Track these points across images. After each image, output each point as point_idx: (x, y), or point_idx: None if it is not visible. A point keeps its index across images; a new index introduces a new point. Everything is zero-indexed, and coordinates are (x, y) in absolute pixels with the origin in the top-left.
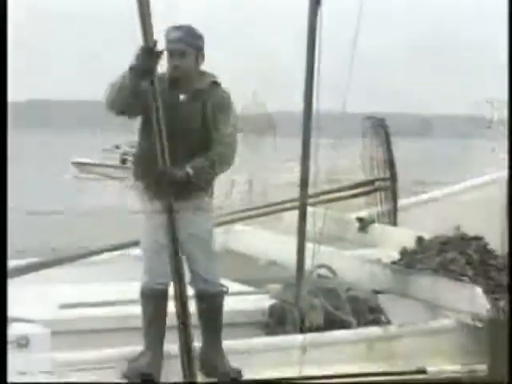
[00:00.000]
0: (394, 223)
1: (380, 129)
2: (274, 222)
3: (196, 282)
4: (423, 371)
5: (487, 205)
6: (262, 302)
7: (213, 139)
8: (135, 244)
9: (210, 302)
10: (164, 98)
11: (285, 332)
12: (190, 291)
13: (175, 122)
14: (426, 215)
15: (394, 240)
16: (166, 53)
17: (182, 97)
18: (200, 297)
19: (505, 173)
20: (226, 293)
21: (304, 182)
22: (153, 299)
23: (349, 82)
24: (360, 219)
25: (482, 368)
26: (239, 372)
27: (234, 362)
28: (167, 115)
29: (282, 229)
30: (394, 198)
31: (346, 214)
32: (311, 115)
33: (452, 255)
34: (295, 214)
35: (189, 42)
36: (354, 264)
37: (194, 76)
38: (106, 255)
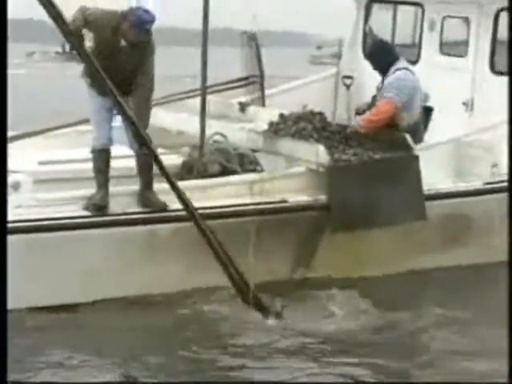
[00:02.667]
0: (263, 105)
1: (253, 41)
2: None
3: (135, 145)
4: (285, 201)
5: (324, 91)
6: (175, 159)
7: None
8: (83, 122)
9: (146, 159)
10: (112, 42)
11: (193, 178)
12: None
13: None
14: (284, 100)
15: (264, 117)
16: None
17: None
18: (138, 155)
19: (333, 71)
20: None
21: (204, 78)
22: (100, 156)
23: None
24: (240, 103)
25: (323, 197)
26: (165, 203)
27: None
28: (113, 56)
29: (186, 109)
30: (262, 88)
31: (230, 100)
32: (207, 31)
33: (303, 125)
34: (196, 100)
35: (153, 24)
36: (238, 132)
37: None
38: (62, 130)
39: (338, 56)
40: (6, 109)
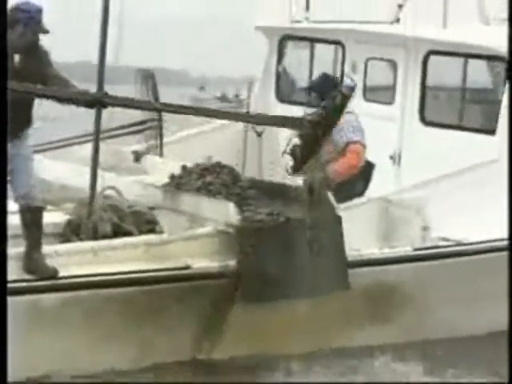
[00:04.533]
0: (161, 155)
1: (149, 79)
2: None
3: (23, 198)
4: (188, 267)
5: (231, 140)
6: (58, 217)
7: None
8: None
9: (36, 215)
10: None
11: (80, 239)
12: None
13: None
14: (184, 149)
15: (162, 168)
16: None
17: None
18: (26, 210)
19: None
20: (45, 208)
21: (97, 121)
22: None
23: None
24: (135, 152)
25: (232, 263)
26: (55, 270)
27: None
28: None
29: (72, 158)
30: (161, 135)
31: (122, 148)
32: (104, 66)
33: (210, 179)
34: (82, 147)
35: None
36: (133, 186)
37: None
38: None
39: (222, 98)
40: (6, 111)
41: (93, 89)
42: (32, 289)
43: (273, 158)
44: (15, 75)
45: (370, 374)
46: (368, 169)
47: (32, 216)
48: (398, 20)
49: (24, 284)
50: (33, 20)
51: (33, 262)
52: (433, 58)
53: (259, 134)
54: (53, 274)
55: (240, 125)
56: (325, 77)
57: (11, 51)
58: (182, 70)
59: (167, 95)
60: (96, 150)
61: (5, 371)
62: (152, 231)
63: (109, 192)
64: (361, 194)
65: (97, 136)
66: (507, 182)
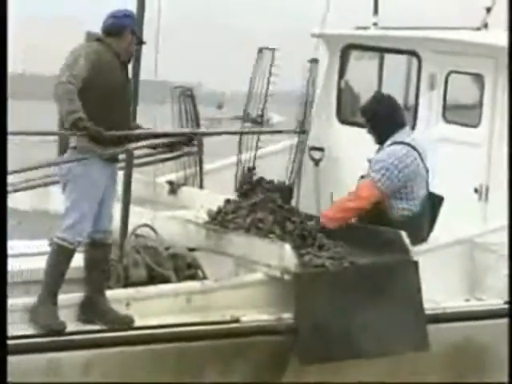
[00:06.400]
0: (201, 186)
1: (188, 97)
2: None
3: (103, 232)
4: (237, 320)
5: (283, 168)
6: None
7: None
8: None
9: (108, 252)
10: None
11: (109, 287)
12: None
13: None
14: (228, 179)
15: (203, 202)
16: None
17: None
18: (99, 245)
19: (293, 141)
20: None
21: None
22: (70, 255)
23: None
24: (170, 182)
25: (288, 316)
26: (132, 319)
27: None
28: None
29: None
30: (200, 162)
31: (156, 178)
32: (138, 83)
33: (261, 215)
34: None
35: None
36: (170, 224)
37: None
38: None
39: (244, 118)
40: (6, 110)
41: None
42: (47, 346)
43: (333, 190)
44: (127, 87)
45: None
46: (436, 203)
47: (104, 253)
48: (485, 26)
49: (38, 340)
50: (135, 27)
51: (102, 308)
52: None
53: (317, 162)
54: (130, 323)
55: (290, 152)
56: (378, 98)
57: (118, 64)
58: (198, 83)
59: None
60: (128, 180)
61: (5, 371)
62: (193, 277)
63: (142, 230)
64: (425, 231)
65: (129, 163)
66: (507, 185)
